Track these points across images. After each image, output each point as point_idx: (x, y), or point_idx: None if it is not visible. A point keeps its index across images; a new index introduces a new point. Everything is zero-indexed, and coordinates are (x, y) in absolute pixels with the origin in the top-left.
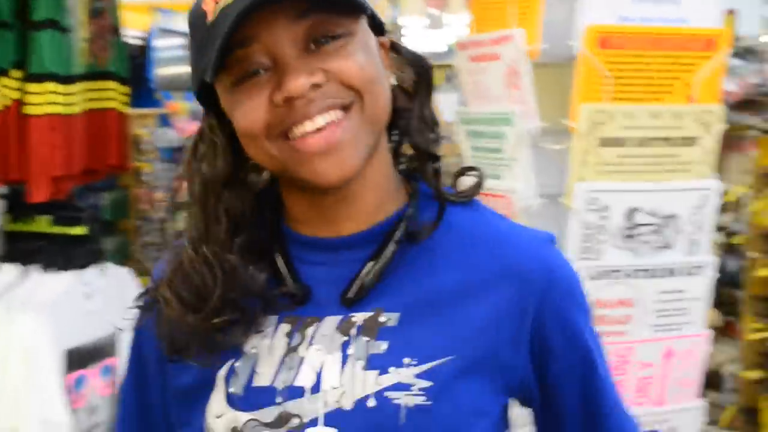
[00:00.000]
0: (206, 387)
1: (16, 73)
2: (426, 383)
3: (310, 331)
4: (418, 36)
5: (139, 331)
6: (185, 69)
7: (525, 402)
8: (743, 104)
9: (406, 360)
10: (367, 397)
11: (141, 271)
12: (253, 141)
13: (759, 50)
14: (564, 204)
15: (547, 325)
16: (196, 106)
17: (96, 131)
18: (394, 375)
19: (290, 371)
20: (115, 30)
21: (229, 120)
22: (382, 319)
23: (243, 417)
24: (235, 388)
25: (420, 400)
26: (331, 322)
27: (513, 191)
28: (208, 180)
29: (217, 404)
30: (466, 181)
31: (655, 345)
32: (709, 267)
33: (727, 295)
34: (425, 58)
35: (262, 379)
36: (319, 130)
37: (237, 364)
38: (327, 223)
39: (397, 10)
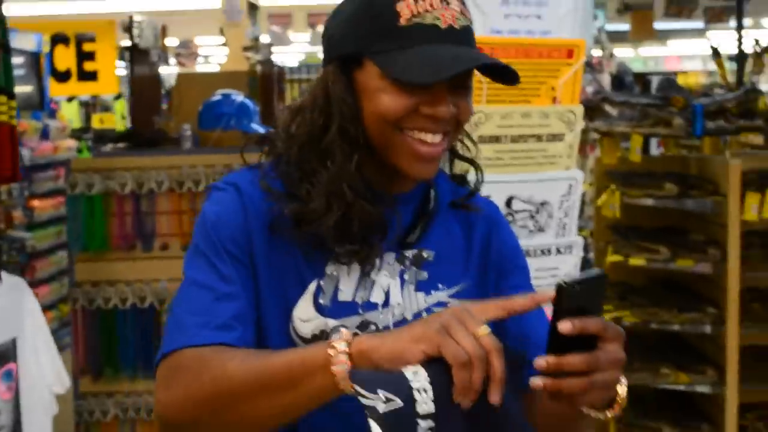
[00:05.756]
0: (294, 291)
1: None
2: (456, 302)
3: (377, 261)
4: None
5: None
6: (32, 88)
7: None
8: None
9: (440, 285)
10: (421, 311)
11: None
12: (380, 120)
13: (591, 62)
14: None
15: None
16: (44, 125)
17: None
18: (435, 296)
19: (366, 290)
20: (2, 46)
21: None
22: (425, 255)
23: (331, 322)
24: (324, 300)
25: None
26: (391, 255)
27: None
28: (351, 133)
29: (304, 311)
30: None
31: None
32: (577, 246)
33: None
34: None
35: (345, 295)
36: (432, 144)
37: (322, 282)
38: (387, 185)
39: (257, 28)
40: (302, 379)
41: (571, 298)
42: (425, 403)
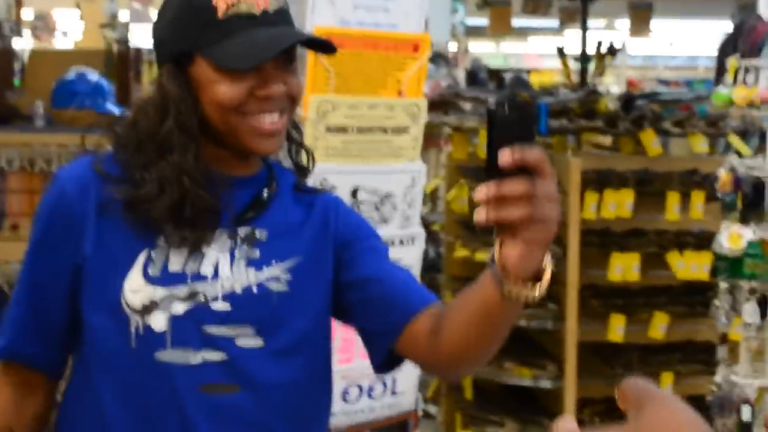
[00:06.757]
0: (124, 264)
1: None
2: (288, 276)
3: (209, 236)
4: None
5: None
6: None
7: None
8: (436, 104)
9: (273, 261)
10: (251, 285)
11: None
12: (220, 108)
13: (448, 56)
14: None
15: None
16: None
17: None
18: (267, 271)
19: (195, 262)
20: None
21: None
22: (257, 234)
23: (160, 292)
24: (153, 271)
25: (284, 287)
26: (224, 232)
27: None
28: (188, 127)
29: (134, 281)
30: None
31: None
32: (419, 238)
33: (428, 279)
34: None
35: (174, 266)
36: (272, 122)
37: (153, 253)
38: (226, 168)
39: (114, 4)
40: None
41: (502, 122)
42: None
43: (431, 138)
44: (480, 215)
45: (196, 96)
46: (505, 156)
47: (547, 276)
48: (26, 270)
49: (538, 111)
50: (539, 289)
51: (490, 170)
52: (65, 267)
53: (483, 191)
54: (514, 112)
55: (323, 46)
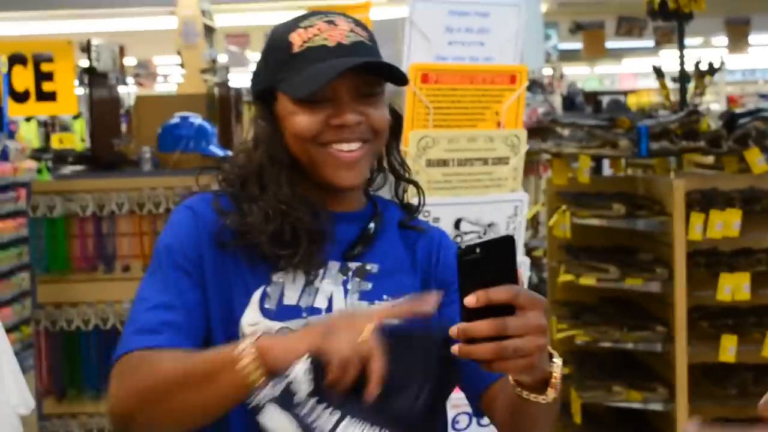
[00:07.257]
0: (240, 299)
1: None
2: None
3: (321, 271)
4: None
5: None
6: None
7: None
8: (534, 131)
9: (385, 296)
10: None
11: None
12: (299, 140)
13: (543, 82)
14: None
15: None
16: (3, 146)
17: None
18: (379, 305)
19: (310, 296)
20: None
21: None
22: (368, 267)
23: (277, 325)
24: (270, 305)
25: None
26: (335, 265)
27: None
28: (277, 160)
29: (251, 316)
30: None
31: None
32: (524, 265)
33: None
34: (396, 108)
35: (289, 300)
36: (350, 151)
37: (268, 289)
38: (329, 205)
39: (213, 49)
40: (216, 375)
41: (473, 264)
42: (302, 383)
43: (530, 165)
44: (453, 349)
45: (281, 130)
46: (470, 300)
47: (555, 378)
48: (160, 270)
49: (514, 248)
50: (550, 393)
51: (466, 310)
52: (197, 275)
53: (453, 330)
54: (487, 254)
55: (392, 74)
